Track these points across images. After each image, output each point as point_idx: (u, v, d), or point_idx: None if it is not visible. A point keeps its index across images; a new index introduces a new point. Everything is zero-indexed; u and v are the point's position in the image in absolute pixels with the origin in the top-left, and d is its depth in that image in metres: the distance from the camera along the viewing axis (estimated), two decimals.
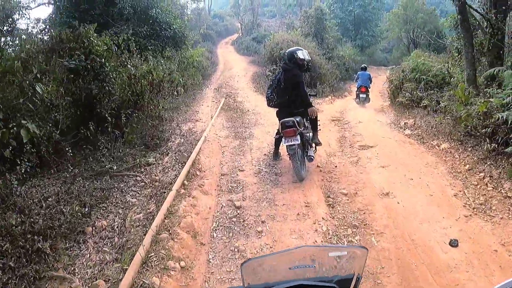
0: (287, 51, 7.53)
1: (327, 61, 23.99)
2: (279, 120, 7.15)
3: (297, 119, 6.82)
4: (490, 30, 10.09)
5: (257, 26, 42.69)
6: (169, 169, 7.40)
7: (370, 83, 17.38)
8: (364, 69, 17.80)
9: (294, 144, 6.68)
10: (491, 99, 7.90)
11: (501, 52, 10.09)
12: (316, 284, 1.50)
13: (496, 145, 7.41)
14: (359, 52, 34.74)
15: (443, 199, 6.20)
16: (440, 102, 11.86)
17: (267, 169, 7.78)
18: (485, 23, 11.03)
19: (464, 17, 10.56)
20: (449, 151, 8.40)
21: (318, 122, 7.78)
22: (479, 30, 12.16)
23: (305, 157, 7.26)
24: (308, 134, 7.47)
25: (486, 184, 6.60)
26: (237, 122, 11.99)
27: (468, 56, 10.53)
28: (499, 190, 6.31)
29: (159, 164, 7.65)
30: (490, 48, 10.18)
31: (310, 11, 28.58)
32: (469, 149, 8.13)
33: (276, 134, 7.69)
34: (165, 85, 10.87)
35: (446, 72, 14.15)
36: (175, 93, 14.14)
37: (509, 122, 6.94)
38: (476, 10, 10.93)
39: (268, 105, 7.62)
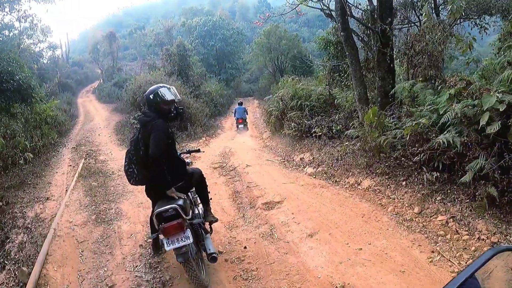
0: (145, 92, 4.60)
1: (195, 99, 22.34)
2: (152, 204, 4.59)
3: (180, 203, 4.17)
4: (378, 44, 8.76)
5: (117, 71, 39.85)
6: None
7: (247, 114, 19.73)
8: (240, 104, 19.88)
9: (184, 246, 4.04)
10: (421, 120, 6.25)
11: (391, 65, 8.91)
12: None
13: (438, 174, 5.78)
14: (224, 86, 33.86)
15: (422, 274, 4.17)
16: (333, 128, 10.55)
17: (149, 275, 5.00)
18: (368, 38, 10.11)
19: (348, 34, 9.47)
20: (378, 190, 6.60)
21: (208, 190, 5.25)
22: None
23: (202, 252, 4.66)
24: (198, 213, 4.96)
25: (456, 231, 4.86)
26: (99, 194, 8.96)
27: (356, 75, 9.39)
28: (478, 236, 4.68)
29: None
30: (385, 61, 8.83)
31: (172, 48, 26.71)
32: (403, 183, 6.39)
33: (152, 230, 4.86)
34: None
35: (328, 94, 12.88)
36: (21, 161, 11.00)
37: (458, 146, 5.32)
38: (365, 24, 9.67)
39: (130, 182, 4.69)
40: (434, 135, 5.96)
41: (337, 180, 7.82)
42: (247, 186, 8.41)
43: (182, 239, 3.99)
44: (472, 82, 6.42)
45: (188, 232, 4.04)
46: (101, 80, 41.92)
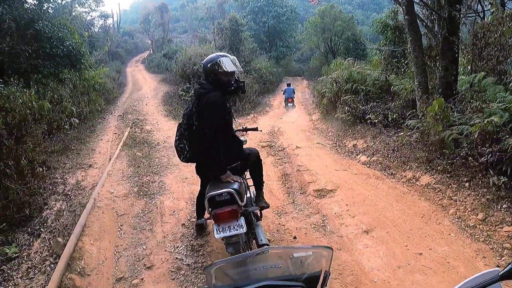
0: (203, 61, 4.20)
1: (245, 75, 22.46)
2: (201, 183, 4.44)
3: (236, 187, 3.86)
4: (444, 31, 8.23)
5: (168, 42, 40.06)
6: (37, 270, 4.41)
7: (294, 94, 21.55)
8: (289, 85, 21.62)
9: (236, 235, 3.77)
10: (493, 118, 5.82)
11: (456, 55, 8.39)
12: (284, 284, 1.43)
13: (506, 179, 5.40)
14: (274, 64, 33.46)
15: None
16: (389, 116, 10.16)
17: (190, 258, 4.76)
18: (432, 24, 9.44)
19: (413, 17, 8.83)
20: (438, 189, 6.19)
21: (262, 174, 4.94)
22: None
23: (252, 241, 4.31)
24: (250, 196, 4.69)
25: None
26: (143, 164, 8.89)
27: (418, 62, 8.83)
28: None
29: (24, 258, 4.65)
30: (451, 50, 8.31)
31: (224, 22, 26.72)
32: (465, 184, 5.96)
33: (197, 216, 4.87)
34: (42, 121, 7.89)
35: (384, 80, 12.39)
36: (66, 126, 11.13)
37: None
38: (432, 9, 9.00)
39: (180, 159, 4.42)
40: (507, 136, 5.56)
41: (393, 172, 7.48)
42: (297, 170, 8.18)
43: (234, 228, 3.70)
44: None
45: (242, 220, 3.76)
46: (151, 51, 42.37)
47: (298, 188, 7.22)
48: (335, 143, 10.72)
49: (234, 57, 4.22)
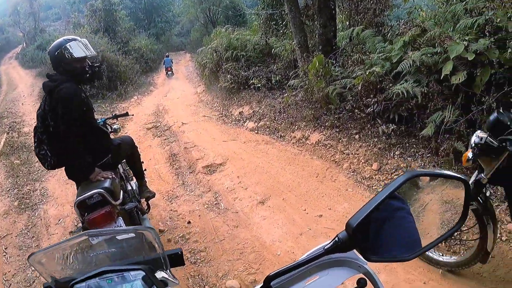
0: (48, 49, 3.57)
1: (124, 56, 21.00)
2: (76, 186, 3.66)
3: (106, 185, 3.27)
4: None
5: (40, 32, 36.50)
6: None
7: (172, 63, 23.97)
8: (168, 56, 24.24)
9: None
10: (374, 68, 5.70)
11: (333, 12, 8.38)
12: (123, 268, 1.25)
13: (395, 126, 5.38)
14: (155, 41, 32.22)
15: None
16: (272, 78, 10.00)
17: None
18: None
19: None
20: (329, 145, 6.07)
21: (142, 160, 4.41)
22: None
23: None
24: (132, 188, 4.16)
25: None
26: (22, 173, 7.78)
27: (295, 22, 8.72)
28: None
29: None
30: (327, 8, 8.21)
31: (97, 3, 24.92)
32: (355, 136, 5.89)
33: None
34: None
35: (264, 44, 12.20)
36: None
37: (419, 97, 4.87)
38: None
39: (45, 167, 3.59)
40: (390, 84, 5.46)
41: (282, 134, 7.29)
42: (185, 148, 7.72)
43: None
44: (427, 29, 5.95)
45: (120, 221, 3.21)
46: (24, 44, 38.27)
47: (187, 167, 6.74)
48: (222, 113, 10.34)
49: (85, 39, 3.58)
